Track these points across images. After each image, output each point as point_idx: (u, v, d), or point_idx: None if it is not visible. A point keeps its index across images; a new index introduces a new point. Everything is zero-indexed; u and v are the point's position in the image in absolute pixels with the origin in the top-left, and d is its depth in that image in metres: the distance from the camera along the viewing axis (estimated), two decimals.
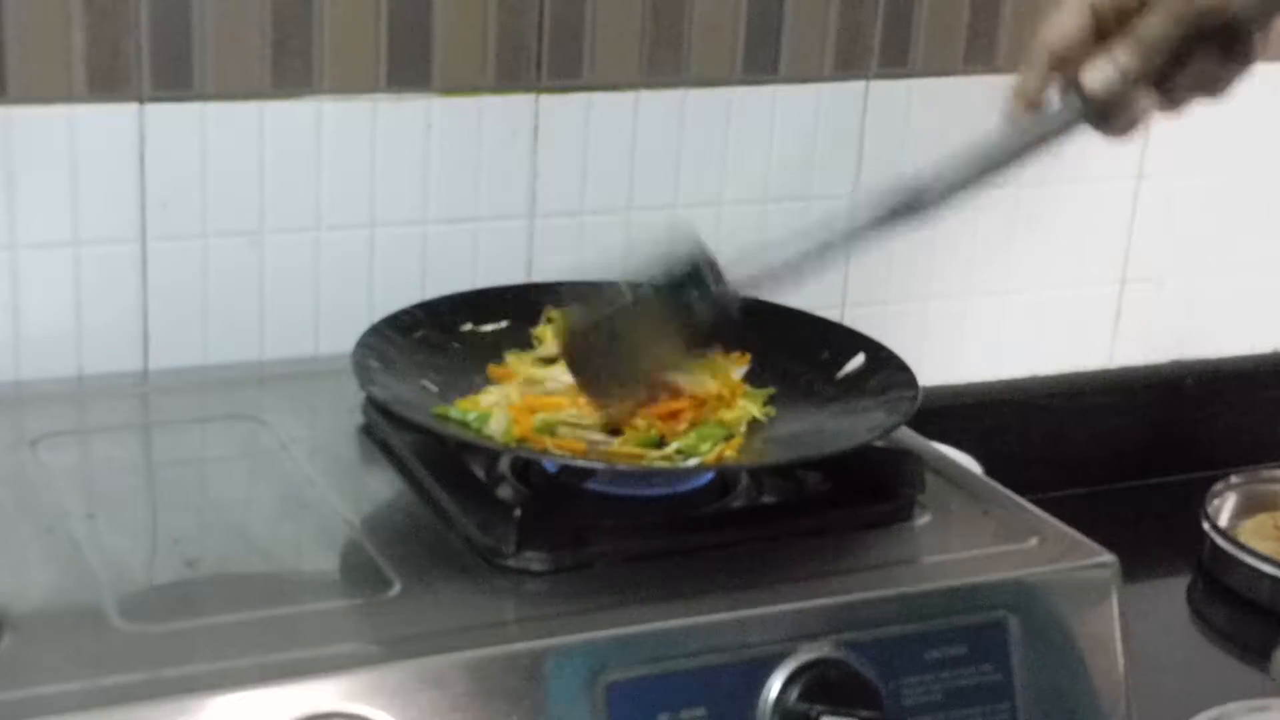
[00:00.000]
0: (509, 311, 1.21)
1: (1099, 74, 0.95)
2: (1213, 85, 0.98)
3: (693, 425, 1.09)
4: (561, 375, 1.11)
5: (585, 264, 1.35)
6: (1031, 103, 0.99)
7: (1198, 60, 0.96)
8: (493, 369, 1.16)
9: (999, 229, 1.53)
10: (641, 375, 1.06)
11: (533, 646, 0.91)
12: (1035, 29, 1.00)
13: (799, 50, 1.40)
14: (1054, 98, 1.00)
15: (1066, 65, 0.98)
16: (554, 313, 1.19)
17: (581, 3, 1.31)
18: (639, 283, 1.04)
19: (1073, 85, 0.98)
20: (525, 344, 1.18)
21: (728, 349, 1.14)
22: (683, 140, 1.38)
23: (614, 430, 1.08)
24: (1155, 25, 0.94)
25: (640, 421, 1.08)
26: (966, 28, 1.45)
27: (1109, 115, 0.97)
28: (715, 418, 1.10)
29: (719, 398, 1.12)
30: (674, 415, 1.09)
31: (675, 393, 1.10)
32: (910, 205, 0.99)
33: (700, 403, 1.10)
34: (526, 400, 1.10)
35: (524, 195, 1.34)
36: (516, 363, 1.16)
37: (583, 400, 1.08)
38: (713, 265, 1.02)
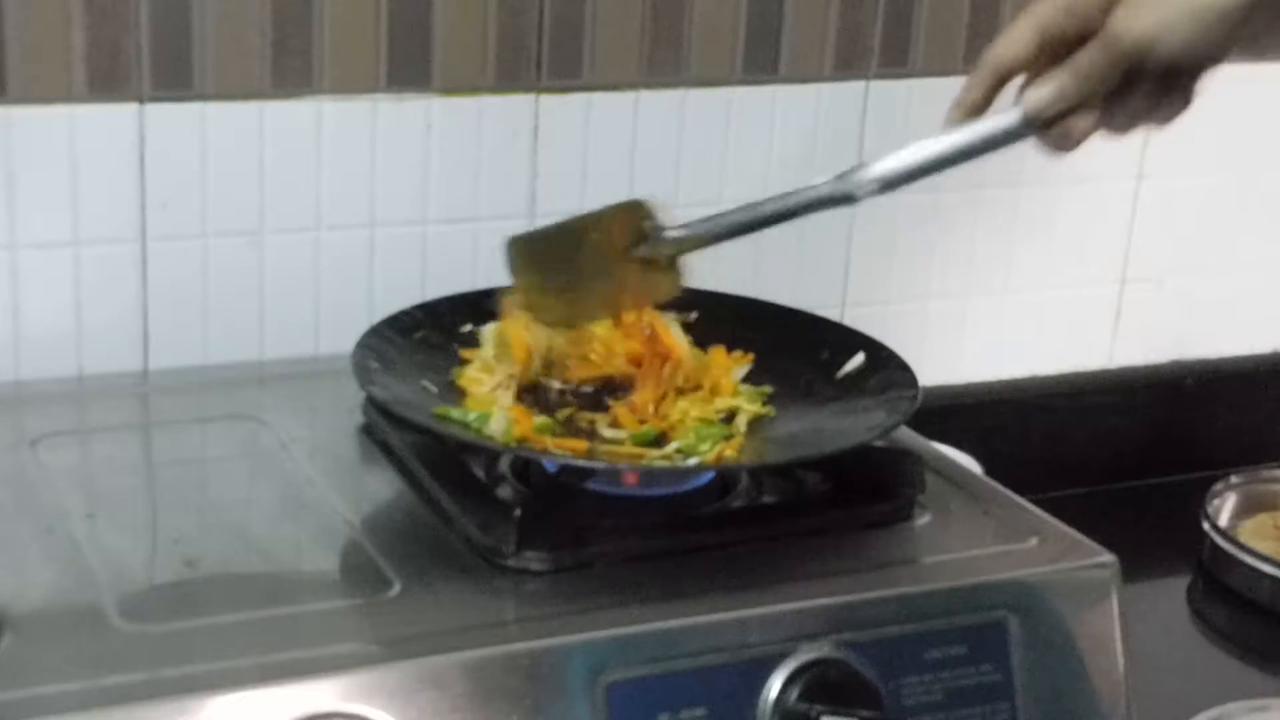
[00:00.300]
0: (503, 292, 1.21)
1: (1038, 93, 0.99)
2: (1152, 116, 1.00)
3: (675, 403, 1.09)
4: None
5: None
6: (971, 111, 1.03)
7: (1135, 94, 0.98)
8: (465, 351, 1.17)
9: (999, 229, 1.53)
10: (578, 285, 1.12)
11: (533, 646, 0.91)
12: (990, 42, 1.04)
13: (799, 50, 1.40)
14: (997, 107, 1.03)
15: (1012, 79, 1.02)
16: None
17: (581, 3, 1.31)
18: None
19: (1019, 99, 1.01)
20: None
21: (662, 294, 1.15)
22: (683, 140, 1.38)
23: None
24: (1091, 58, 0.97)
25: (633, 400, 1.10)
26: (966, 28, 1.45)
27: (1048, 133, 1.00)
28: (703, 409, 1.10)
29: (711, 389, 1.12)
30: (636, 361, 1.11)
31: (653, 342, 1.12)
32: (847, 194, 1.05)
33: (663, 358, 1.12)
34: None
35: (524, 195, 1.34)
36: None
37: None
38: (652, 211, 1.10)
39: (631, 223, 1.10)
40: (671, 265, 1.11)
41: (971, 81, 1.03)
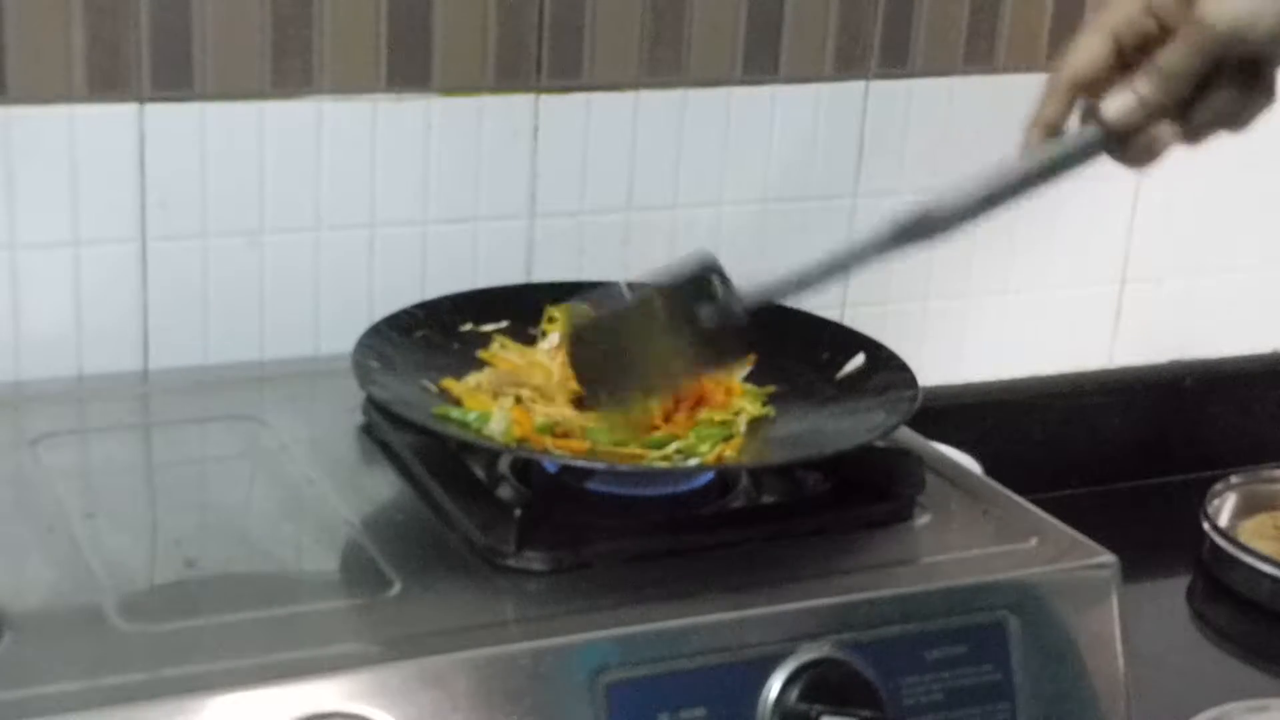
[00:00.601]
0: (509, 311, 1.21)
1: (1119, 103, 0.95)
2: (1234, 119, 0.98)
3: (691, 419, 1.09)
4: (545, 362, 1.13)
5: (585, 264, 1.36)
6: (1051, 130, 0.99)
7: (1218, 93, 0.95)
8: (483, 353, 1.16)
9: (999, 229, 1.52)
10: (642, 379, 1.05)
11: (533, 646, 0.92)
12: (1061, 55, 1.00)
13: (799, 50, 1.40)
14: (1073, 124, 1.00)
15: (1088, 92, 0.98)
16: (554, 310, 1.19)
17: (581, 3, 1.31)
18: (644, 285, 1.05)
19: (1093, 113, 0.97)
20: (525, 344, 1.18)
21: (731, 361, 1.11)
22: (683, 140, 1.38)
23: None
24: (1176, 56, 0.94)
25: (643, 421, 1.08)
26: (966, 28, 1.45)
27: (1127, 145, 0.97)
28: (712, 415, 1.10)
29: (721, 392, 1.12)
30: (675, 407, 1.09)
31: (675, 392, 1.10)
32: (922, 230, 0.99)
33: (698, 397, 1.11)
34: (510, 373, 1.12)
35: (524, 195, 1.34)
36: (501, 351, 1.16)
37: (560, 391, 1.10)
38: (721, 274, 1.03)
39: (696, 288, 1.02)
40: (738, 329, 1.03)
41: (1045, 96, 0.99)
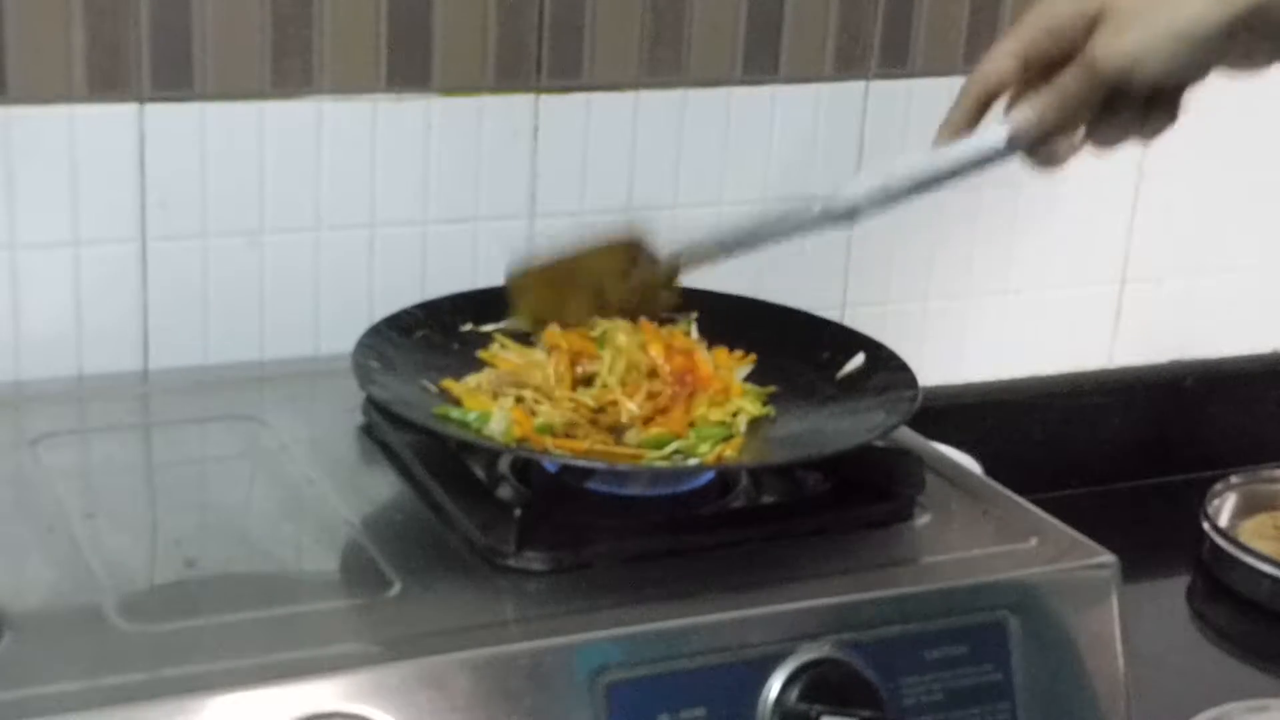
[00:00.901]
0: (509, 311, 1.21)
1: (1021, 116, 0.99)
2: (1139, 133, 1.01)
3: (688, 415, 1.09)
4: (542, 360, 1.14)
5: None
6: (956, 133, 1.03)
7: (1121, 112, 0.99)
8: (483, 354, 1.17)
9: (999, 229, 1.53)
10: (583, 310, 1.13)
11: (533, 646, 0.91)
12: (976, 62, 1.04)
13: (799, 50, 1.40)
14: (984, 127, 1.03)
15: (998, 98, 1.02)
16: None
17: (581, 3, 1.31)
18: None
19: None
20: (524, 344, 1.18)
21: (660, 309, 1.16)
22: (683, 140, 1.38)
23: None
24: (1072, 82, 0.97)
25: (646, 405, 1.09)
26: (966, 28, 1.45)
27: (1033, 151, 1.01)
28: (711, 414, 1.10)
29: (718, 382, 1.12)
30: (672, 399, 1.10)
31: (686, 359, 1.12)
32: (840, 216, 1.04)
33: (693, 386, 1.11)
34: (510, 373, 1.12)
35: (524, 195, 1.34)
36: (501, 351, 1.16)
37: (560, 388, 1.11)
38: (647, 233, 1.10)
39: (627, 252, 1.10)
40: (668, 283, 1.11)
41: (957, 102, 1.03)
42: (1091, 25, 0.96)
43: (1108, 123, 1.00)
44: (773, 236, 1.07)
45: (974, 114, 1.03)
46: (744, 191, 1.41)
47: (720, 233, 1.08)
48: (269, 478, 1.12)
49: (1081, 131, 1.00)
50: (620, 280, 1.10)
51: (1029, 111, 0.99)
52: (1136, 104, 0.98)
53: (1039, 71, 1.00)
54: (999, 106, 1.03)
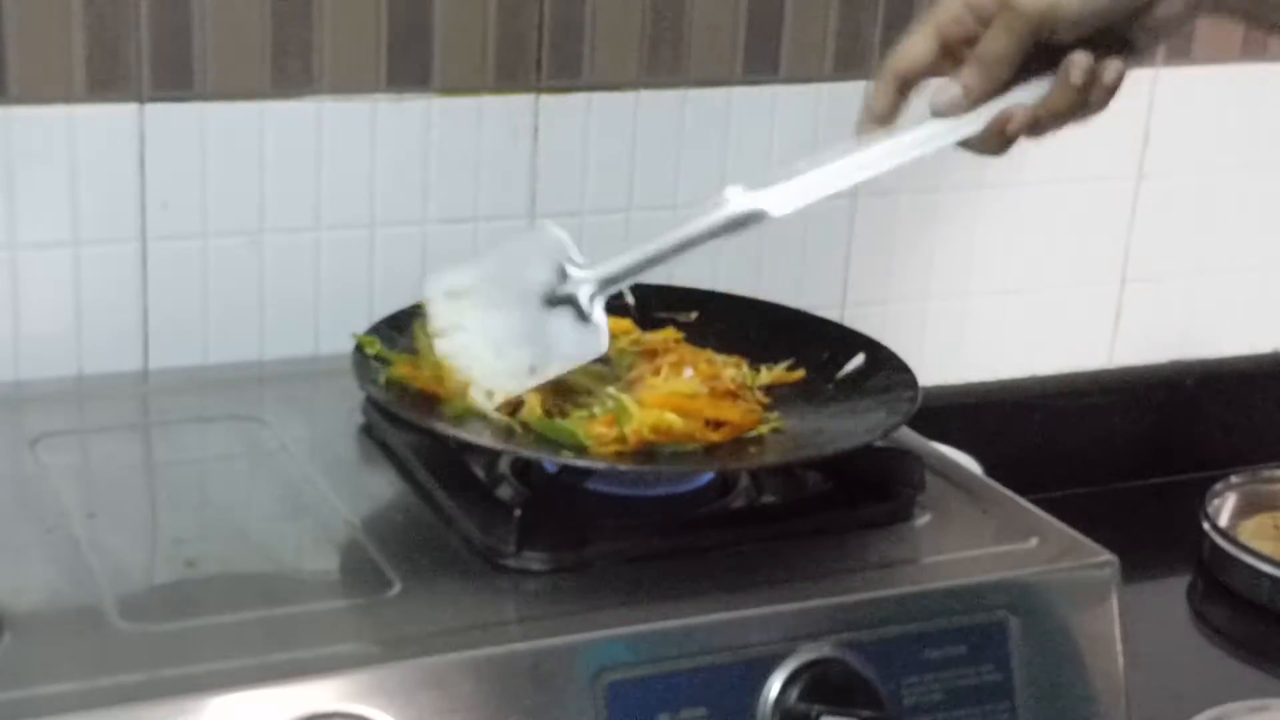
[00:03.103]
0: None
1: (944, 95, 1.00)
2: (1074, 111, 1.01)
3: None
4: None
5: None
6: (880, 122, 1.03)
7: (1053, 82, 0.99)
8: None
9: (999, 229, 1.53)
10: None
11: (533, 646, 0.92)
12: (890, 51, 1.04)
13: (799, 50, 1.40)
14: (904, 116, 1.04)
15: (916, 84, 1.03)
16: None
17: (581, 3, 1.31)
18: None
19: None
20: None
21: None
22: (683, 140, 1.38)
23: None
24: (992, 42, 0.98)
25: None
26: None
27: (972, 140, 1.02)
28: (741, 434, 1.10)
29: (703, 360, 1.12)
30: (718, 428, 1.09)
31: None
32: (754, 220, 1.03)
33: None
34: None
35: (524, 195, 1.34)
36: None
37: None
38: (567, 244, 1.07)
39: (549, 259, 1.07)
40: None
41: (875, 90, 1.03)
42: None
43: (1041, 98, 0.99)
44: (688, 245, 1.04)
45: (894, 101, 1.03)
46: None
47: (636, 251, 1.05)
48: (269, 478, 1.12)
49: (1019, 117, 0.99)
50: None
51: (952, 88, 0.99)
52: (1048, 71, 0.98)
53: (957, 53, 1.00)
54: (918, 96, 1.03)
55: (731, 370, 1.13)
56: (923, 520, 1.10)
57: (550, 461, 1.07)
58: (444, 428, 1.06)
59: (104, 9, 1.18)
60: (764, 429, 1.10)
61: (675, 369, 1.11)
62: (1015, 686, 1.01)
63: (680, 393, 1.07)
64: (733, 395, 1.10)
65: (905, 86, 1.02)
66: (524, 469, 1.12)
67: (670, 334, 1.19)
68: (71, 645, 0.89)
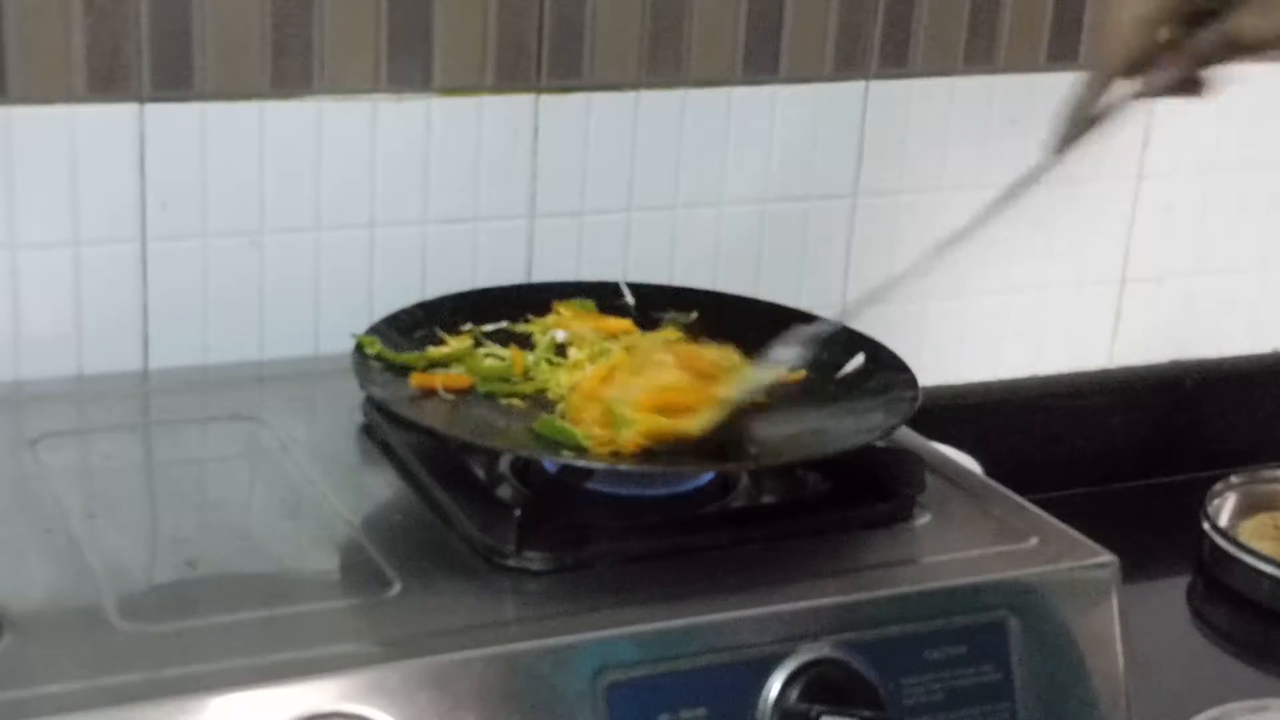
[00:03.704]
0: (509, 311, 1.21)
1: (1157, 79, 1.02)
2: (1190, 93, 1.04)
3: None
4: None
5: (585, 264, 1.36)
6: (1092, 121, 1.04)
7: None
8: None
9: (999, 229, 1.52)
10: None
11: (533, 646, 0.92)
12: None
13: (799, 50, 1.40)
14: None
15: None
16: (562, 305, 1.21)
17: (581, 3, 1.31)
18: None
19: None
20: (525, 344, 1.18)
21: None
22: (683, 140, 1.38)
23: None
24: (1208, 46, 1.00)
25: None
26: (966, 28, 1.45)
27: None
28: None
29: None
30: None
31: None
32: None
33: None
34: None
35: (524, 195, 1.34)
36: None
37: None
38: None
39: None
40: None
41: (1089, 89, 1.04)
42: None
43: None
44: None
45: (1104, 92, 1.03)
46: (744, 191, 1.41)
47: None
48: (269, 478, 1.12)
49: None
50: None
51: (1165, 75, 1.01)
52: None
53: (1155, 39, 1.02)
54: None
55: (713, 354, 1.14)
56: (923, 520, 1.10)
57: (550, 461, 1.07)
58: (444, 428, 1.07)
59: (104, 9, 1.18)
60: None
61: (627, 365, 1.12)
62: (1015, 686, 1.01)
63: (666, 387, 1.07)
64: (711, 377, 1.10)
65: (1126, 75, 1.03)
66: (524, 469, 1.12)
67: (671, 334, 1.19)
68: (71, 645, 0.89)
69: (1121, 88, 1.02)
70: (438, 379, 1.10)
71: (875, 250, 1.47)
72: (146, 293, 1.25)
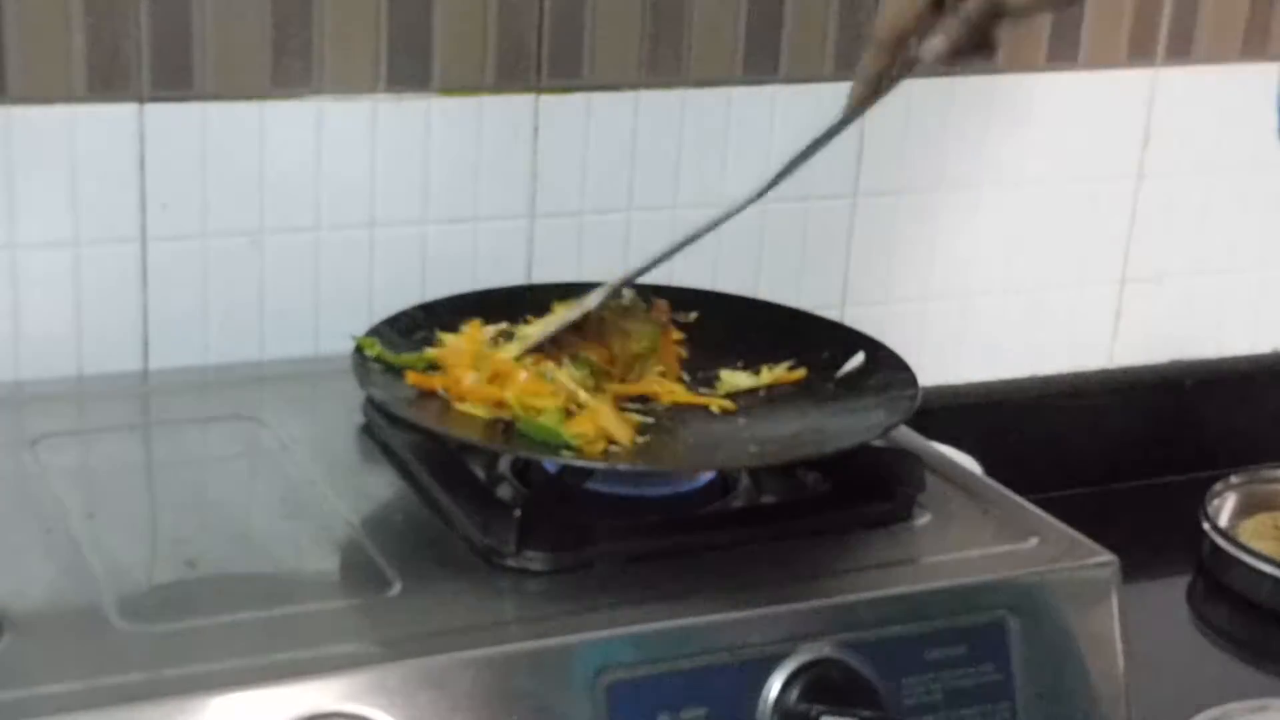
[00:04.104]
0: (509, 311, 1.21)
1: (934, 44, 1.03)
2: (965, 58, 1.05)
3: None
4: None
5: (585, 264, 1.36)
6: (872, 85, 1.06)
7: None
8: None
9: (999, 228, 1.53)
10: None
11: (533, 646, 0.92)
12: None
13: (799, 50, 1.40)
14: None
15: (905, 44, 1.06)
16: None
17: (581, 3, 1.31)
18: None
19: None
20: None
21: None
22: (683, 140, 1.38)
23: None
24: (978, 7, 1.02)
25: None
26: None
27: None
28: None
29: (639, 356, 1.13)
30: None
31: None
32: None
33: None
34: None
35: (524, 195, 1.34)
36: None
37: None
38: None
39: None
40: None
41: (873, 53, 1.06)
42: None
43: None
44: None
45: (890, 61, 1.06)
46: (744, 191, 1.40)
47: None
48: (269, 478, 1.12)
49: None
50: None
51: (939, 38, 1.02)
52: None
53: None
54: None
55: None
56: (923, 520, 1.10)
57: (550, 461, 1.07)
58: (444, 428, 1.07)
59: (104, 9, 1.18)
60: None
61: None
62: (1015, 686, 1.01)
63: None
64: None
65: (899, 45, 1.05)
66: (524, 469, 1.12)
67: (671, 333, 1.19)
68: (71, 645, 0.89)
69: (906, 53, 1.05)
70: (437, 380, 1.10)
71: (875, 250, 1.47)
72: (146, 292, 1.25)
